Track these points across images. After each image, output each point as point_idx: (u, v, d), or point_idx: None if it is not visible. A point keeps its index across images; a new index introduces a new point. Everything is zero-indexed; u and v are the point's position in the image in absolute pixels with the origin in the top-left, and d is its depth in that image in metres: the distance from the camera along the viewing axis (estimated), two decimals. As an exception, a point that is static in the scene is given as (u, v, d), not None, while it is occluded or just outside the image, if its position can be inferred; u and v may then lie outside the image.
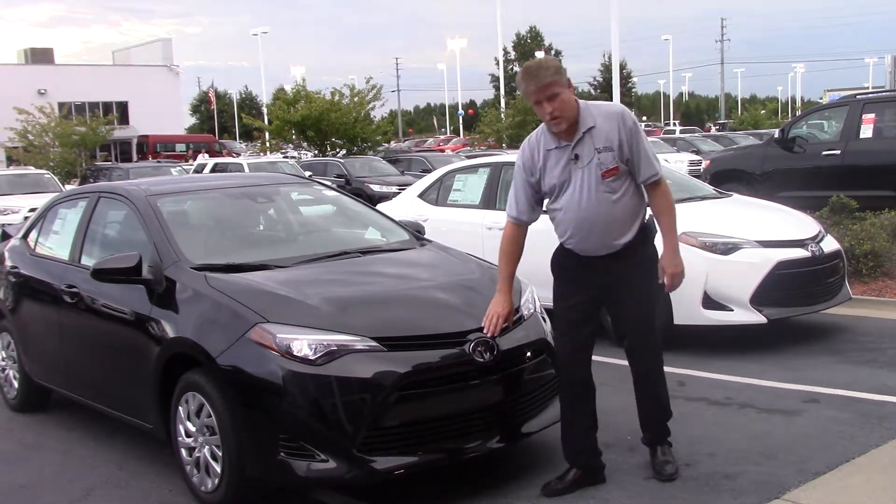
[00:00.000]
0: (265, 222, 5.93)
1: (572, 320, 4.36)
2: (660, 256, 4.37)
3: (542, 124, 4.28)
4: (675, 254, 4.30)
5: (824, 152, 12.02)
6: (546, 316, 4.98)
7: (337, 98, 31.99)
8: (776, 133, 13.38)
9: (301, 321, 4.25)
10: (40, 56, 61.46)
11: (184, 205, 5.67)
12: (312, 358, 4.09)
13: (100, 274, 4.95)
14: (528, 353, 4.56)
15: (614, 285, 4.31)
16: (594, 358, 6.88)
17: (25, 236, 6.61)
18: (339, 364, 4.09)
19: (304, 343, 4.12)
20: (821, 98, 74.14)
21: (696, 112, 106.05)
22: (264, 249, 5.41)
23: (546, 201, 4.37)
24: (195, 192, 6.00)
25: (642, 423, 4.61)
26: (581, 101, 4.19)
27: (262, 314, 4.28)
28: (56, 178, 21.31)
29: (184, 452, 4.61)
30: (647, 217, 4.35)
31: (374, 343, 4.17)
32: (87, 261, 5.58)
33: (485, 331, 4.29)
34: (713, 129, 60.32)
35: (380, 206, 7.91)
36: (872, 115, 11.89)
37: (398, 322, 4.37)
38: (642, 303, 4.36)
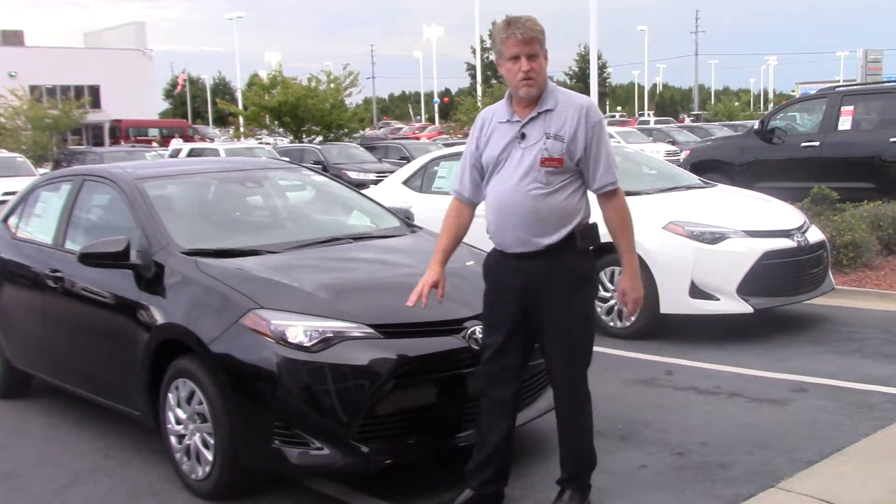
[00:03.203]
0: (255, 208, 5.85)
1: (495, 342, 3.90)
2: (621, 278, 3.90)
3: (503, 99, 3.91)
4: (636, 277, 3.81)
5: (803, 144, 12.13)
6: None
7: (314, 84, 31.78)
8: (756, 124, 13.47)
9: (296, 307, 4.20)
10: (11, 38, 60.43)
11: (171, 189, 5.57)
12: (308, 345, 4.03)
13: (87, 258, 4.85)
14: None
15: (534, 294, 3.79)
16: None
17: (6, 220, 6.48)
18: (335, 351, 4.04)
19: (299, 330, 4.06)
20: (793, 91, 74.63)
21: (669, 103, 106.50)
22: (254, 235, 5.33)
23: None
24: (183, 175, 5.90)
25: (560, 459, 4.06)
26: (550, 82, 3.82)
27: (255, 300, 4.22)
28: (29, 162, 21.00)
29: (173, 440, 4.54)
30: (584, 224, 3.82)
31: (370, 330, 4.12)
32: (72, 245, 5.48)
33: (409, 302, 3.93)
34: (687, 119, 60.64)
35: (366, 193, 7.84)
36: (851, 108, 12.02)
37: (394, 309, 4.30)
38: (564, 321, 3.79)
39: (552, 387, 3.99)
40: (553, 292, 3.77)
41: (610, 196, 3.78)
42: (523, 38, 3.69)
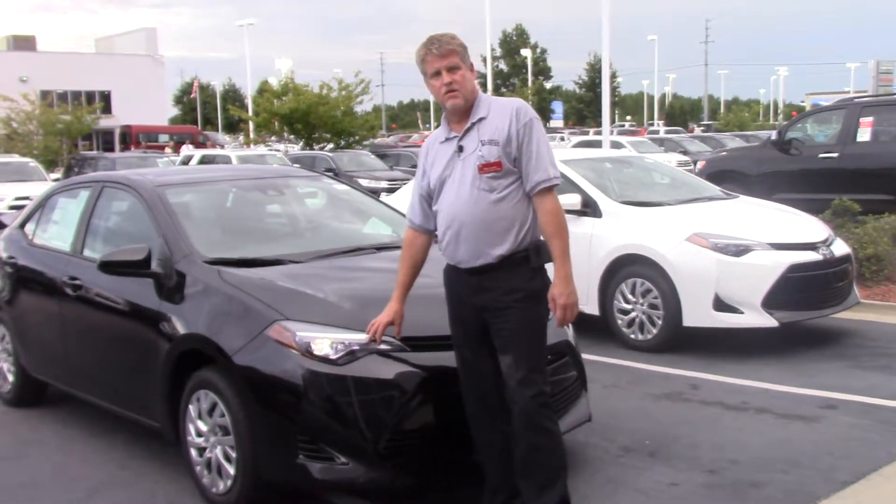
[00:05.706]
0: (276, 216, 5.76)
1: (465, 358, 3.88)
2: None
3: (442, 122, 3.90)
4: (568, 282, 3.61)
5: (821, 155, 11.99)
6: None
7: (325, 91, 31.74)
8: (773, 135, 13.35)
9: (321, 319, 4.11)
10: (22, 43, 60.58)
11: (192, 196, 5.49)
12: (334, 357, 3.95)
13: (107, 266, 4.78)
14: (549, 356, 4.41)
15: (489, 312, 3.72)
16: (601, 359, 6.82)
17: (22, 226, 6.41)
18: (362, 364, 3.96)
19: (325, 342, 3.98)
20: (802, 101, 74.42)
21: (679, 113, 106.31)
22: (277, 244, 5.24)
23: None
24: (204, 183, 5.81)
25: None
26: (482, 93, 3.81)
27: (280, 311, 4.14)
28: (41, 167, 20.98)
29: (193, 452, 4.45)
30: (539, 240, 3.74)
31: (397, 343, 4.03)
32: (90, 253, 5.41)
33: (365, 336, 3.97)
34: (696, 129, 60.41)
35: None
36: (870, 119, 11.87)
37: (421, 321, 4.19)
38: (516, 342, 3.68)
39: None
40: (511, 306, 3.67)
41: (542, 196, 3.66)
42: (440, 53, 3.69)
